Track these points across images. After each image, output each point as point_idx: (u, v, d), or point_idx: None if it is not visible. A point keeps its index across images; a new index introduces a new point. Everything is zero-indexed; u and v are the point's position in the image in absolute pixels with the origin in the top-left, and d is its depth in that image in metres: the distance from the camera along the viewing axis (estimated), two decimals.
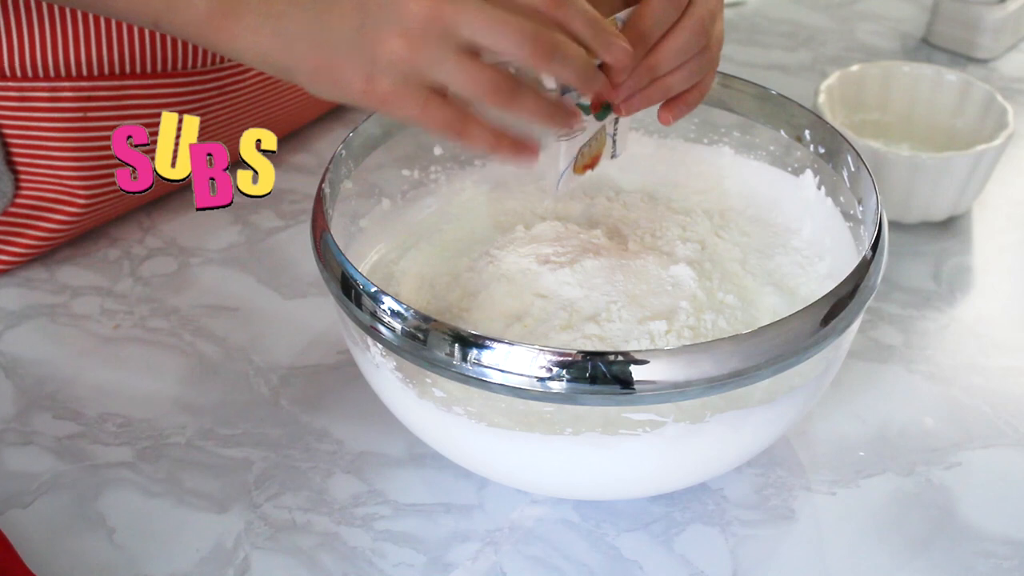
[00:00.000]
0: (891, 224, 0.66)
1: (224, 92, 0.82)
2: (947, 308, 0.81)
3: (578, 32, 0.56)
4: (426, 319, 0.56)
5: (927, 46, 1.11)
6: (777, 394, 0.59)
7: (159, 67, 0.78)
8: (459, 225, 0.75)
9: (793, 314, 0.56)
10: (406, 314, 0.56)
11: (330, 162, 0.66)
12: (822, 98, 0.88)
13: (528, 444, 0.59)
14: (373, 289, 0.58)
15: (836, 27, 1.14)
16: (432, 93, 0.55)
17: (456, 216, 0.76)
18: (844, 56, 1.09)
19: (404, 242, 0.73)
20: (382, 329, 0.57)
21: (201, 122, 0.78)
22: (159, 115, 0.76)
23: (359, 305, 0.58)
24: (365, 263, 0.71)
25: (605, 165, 0.67)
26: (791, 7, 1.17)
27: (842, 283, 0.58)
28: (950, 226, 0.88)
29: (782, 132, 0.72)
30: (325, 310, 0.78)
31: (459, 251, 0.72)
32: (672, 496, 0.66)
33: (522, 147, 0.57)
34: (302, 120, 0.94)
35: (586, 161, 0.65)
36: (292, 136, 0.95)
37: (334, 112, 0.98)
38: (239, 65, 0.82)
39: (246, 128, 0.83)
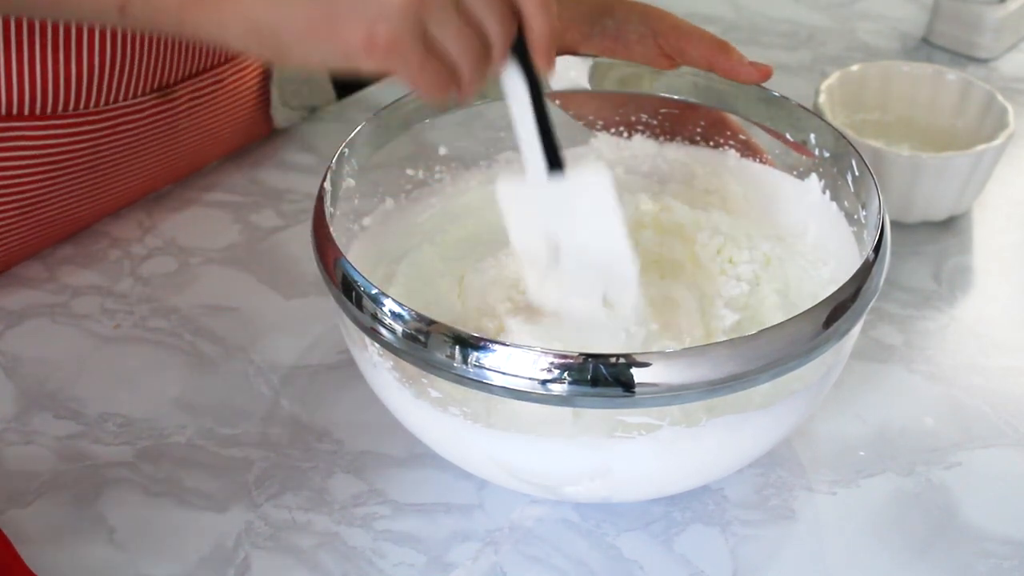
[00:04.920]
0: (891, 224, 0.66)
1: (116, 132, 0.79)
2: (947, 308, 0.81)
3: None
4: (427, 321, 0.56)
5: (927, 46, 1.11)
6: (778, 398, 0.59)
7: (49, 109, 0.74)
8: (462, 226, 0.75)
9: (795, 316, 0.56)
10: (407, 316, 0.56)
11: (333, 160, 0.66)
12: (822, 98, 0.88)
13: (523, 446, 0.59)
14: (374, 291, 0.58)
15: (836, 27, 1.14)
16: (430, 50, 0.54)
17: (460, 217, 0.76)
18: (844, 56, 1.09)
19: (406, 242, 0.73)
20: (382, 331, 0.57)
21: (91, 163, 0.78)
22: (47, 157, 0.75)
23: (359, 306, 0.58)
24: (366, 263, 0.71)
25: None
26: (791, 7, 1.17)
27: (844, 286, 0.58)
28: (950, 226, 0.88)
29: (787, 135, 0.72)
30: (325, 310, 0.78)
31: (462, 252, 0.72)
32: (672, 496, 0.66)
33: None
34: (203, 160, 0.90)
35: None
36: (293, 134, 0.95)
37: (333, 112, 0.98)
38: (133, 104, 0.78)
39: (140, 168, 0.82)
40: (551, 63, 0.57)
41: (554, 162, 0.60)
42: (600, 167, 0.62)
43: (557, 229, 0.62)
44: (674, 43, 0.71)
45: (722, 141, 0.77)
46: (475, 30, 0.54)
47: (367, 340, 0.59)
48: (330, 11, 0.53)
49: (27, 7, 0.59)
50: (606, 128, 0.79)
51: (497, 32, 0.55)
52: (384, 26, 0.52)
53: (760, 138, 0.76)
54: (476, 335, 0.55)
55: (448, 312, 0.67)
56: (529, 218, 0.63)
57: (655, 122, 0.77)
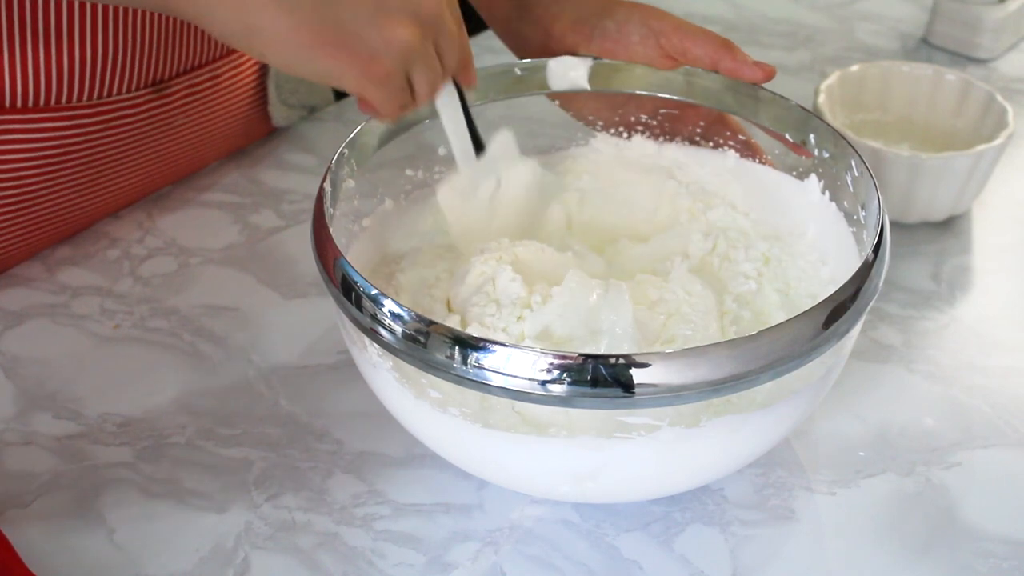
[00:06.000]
0: (891, 224, 0.66)
1: (111, 126, 0.79)
2: (947, 308, 0.81)
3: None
4: (427, 321, 0.56)
5: (927, 46, 1.11)
6: (778, 398, 0.59)
7: (41, 101, 0.74)
8: None
9: (795, 317, 0.56)
10: (406, 316, 0.56)
11: (332, 161, 0.66)
12: (822, 98, 0.88)
13: (523, 446, 0.59)
14: (374, 292, 0.58)
15: (836, 27, 1.14)
16: (407, 83, 0.61)
17: None
18: (844, 56, 1.09)
19: (406, 242, 0.73)
20: (382, 331, 0.57)
21: (87, 158, 0.79)
22: (42, 151, 0.76)
23: (359, 307, 0.58)
24: (366, 264, 0.71)
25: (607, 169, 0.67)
26: (791, 7, 1.17)
27: (843, 286, 0.58)
28: (950, 226, 0.88)
29: (787, 136, 0.72)
30: (325, 310, 0.78)
31: (461, 253, 0.72)
32: (672, 496, 0.67)
33: None
34: (202, 159, 0.90)
35: None
36: (292, 134, 0.95)
37: (333, 113, 0.98)
38: (127, 98, 0.78)
39: (138, 165, 0.82)
40: (475, 79, 0.67)
41: (479, 145, 0.71)
42: (505, 131, 0.72)
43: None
44: (677, 43, 0.71)
45: (722, 141, 0.77)
46: (438, 63, 0.62)
47: (367, 340, 0.59)
48: (339, 38, 0.58)
49: None
50: (606, 128, 0.79)
51: (452, 63, 0.63)
52: (385, 61, 0.59)
53: (760, 138, 0.76)
54: (475, 335, 0.55)
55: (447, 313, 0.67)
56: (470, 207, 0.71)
57: (655, 122, 0.77)
